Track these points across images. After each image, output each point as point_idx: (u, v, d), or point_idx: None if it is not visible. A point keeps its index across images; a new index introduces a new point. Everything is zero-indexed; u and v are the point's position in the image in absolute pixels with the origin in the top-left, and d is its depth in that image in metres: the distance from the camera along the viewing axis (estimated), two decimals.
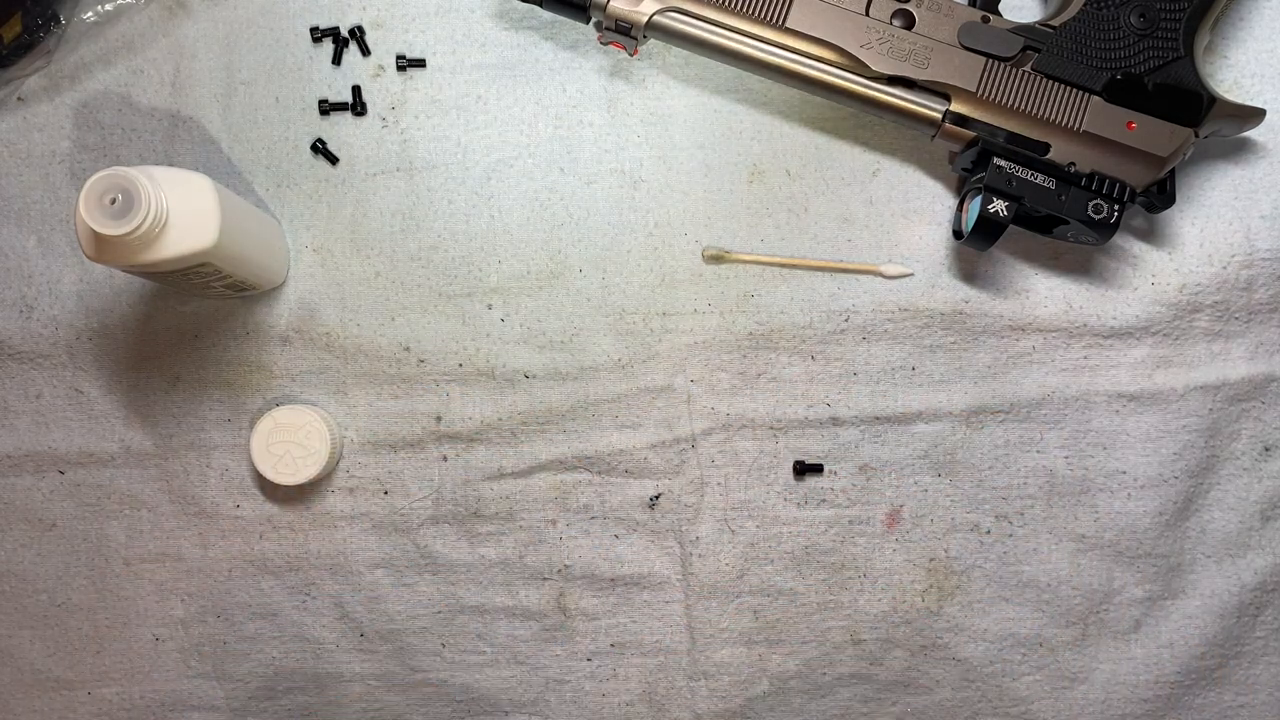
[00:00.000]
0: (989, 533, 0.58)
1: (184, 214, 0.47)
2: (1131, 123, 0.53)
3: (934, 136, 0.55)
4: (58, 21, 0.59)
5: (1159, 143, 0.53)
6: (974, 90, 0.53)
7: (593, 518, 0.58)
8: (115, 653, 0.59)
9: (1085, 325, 0.57)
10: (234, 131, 0.59)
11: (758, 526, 0.58)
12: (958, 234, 0.56)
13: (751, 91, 0.59)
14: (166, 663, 0.59)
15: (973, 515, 0.58)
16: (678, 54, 0.59)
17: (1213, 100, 0.53)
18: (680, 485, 0.58)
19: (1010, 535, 0.58)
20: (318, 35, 0.59)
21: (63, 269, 0.59)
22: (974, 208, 0.54)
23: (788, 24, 0.54)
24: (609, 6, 0.54)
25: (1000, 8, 0.55)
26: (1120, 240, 0.58)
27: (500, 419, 0.58)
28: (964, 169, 0.56)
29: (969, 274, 0.58)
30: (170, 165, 0.54)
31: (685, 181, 0.58)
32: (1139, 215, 0.58)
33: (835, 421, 0.58)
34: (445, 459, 0.59)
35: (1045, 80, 0.53)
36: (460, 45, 0.59)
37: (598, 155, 0.59)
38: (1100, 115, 0.53)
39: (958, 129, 0.54)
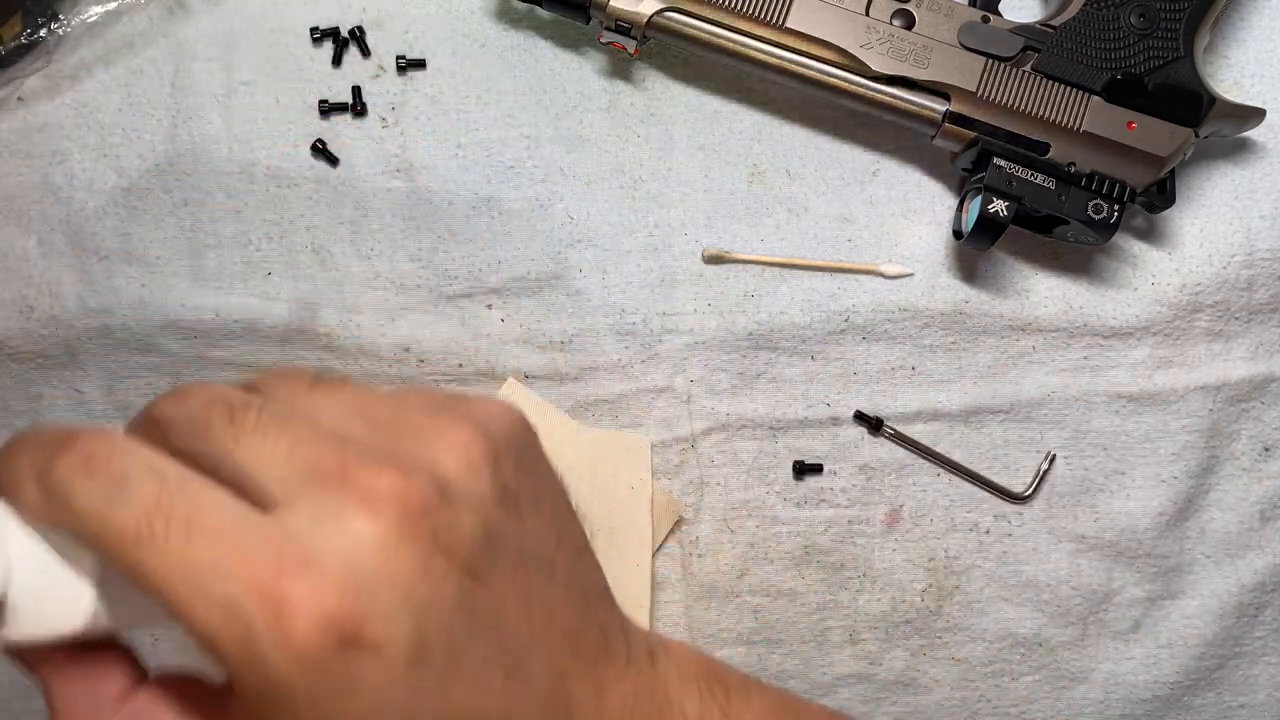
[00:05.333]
0: (988, 532, 0.58)
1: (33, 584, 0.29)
2: (1131, 123, 0.53)
3: (934, 136, 0.55)
4: (58, 21, 0.59)
5: (1159, 143, 0.53)
6: (974, 90, 0.53)
7: None
8: None
9: (1085, 325, 0.57)
10: (234, 131, 0.59)
11: (757, 526, 0.58)
12: (958, 234, 0.56)
13: (751, 91, 0.59)
14: (166, 663, 0.59)
15: (972, 515, 0.58)
16: (678, 54, 0.59)
17: (1213, 100, 0.53)
18: (680, 485, 0.58)
19: (1010, 535, 0.58)
20: (318, 36, 0.59)
21: (63, 269, 0.59)
22: (974, 208, 0.54)
23: (788, 24, 0.54)
24: (609, 6, 0.54)
25: (1000, 8, 0.55)
26: (1120, 240, 0.58)
27: None
28: (964, 169, 0.56)
29: (969, 274, 0.58)
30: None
31: (685, 181, 0.58)
32: (1139, 215, 0.58)
33: (835, 421, 0.58)
34: None
35: (1045, 80, 0.53)
36: (460, 45, 0.59)
37: (598, 155, 0.59)
38: (1100, 115, 0.53)
39: (958, 129, 0.54)
